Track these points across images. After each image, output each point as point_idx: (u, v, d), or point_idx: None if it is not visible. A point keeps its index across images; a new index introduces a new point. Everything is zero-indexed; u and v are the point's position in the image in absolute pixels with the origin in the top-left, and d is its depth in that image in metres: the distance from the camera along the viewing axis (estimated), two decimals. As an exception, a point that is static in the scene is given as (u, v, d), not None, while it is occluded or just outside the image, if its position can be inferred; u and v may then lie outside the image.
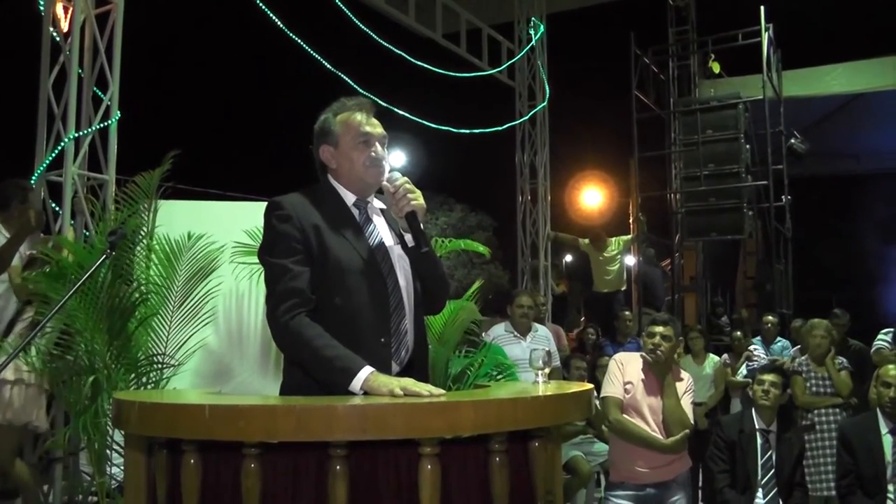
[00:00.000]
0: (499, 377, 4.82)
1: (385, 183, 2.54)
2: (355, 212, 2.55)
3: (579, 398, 2.37)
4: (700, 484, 6.24)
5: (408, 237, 2.55)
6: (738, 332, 7.82)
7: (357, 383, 2.21)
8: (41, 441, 5.26)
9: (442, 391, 2.21)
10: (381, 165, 2.53)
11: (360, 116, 2.54)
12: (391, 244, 2.55)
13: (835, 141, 13.02)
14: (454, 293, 4.94)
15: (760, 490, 4.53)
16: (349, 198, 2.56)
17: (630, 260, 11.85)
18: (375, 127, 2.55)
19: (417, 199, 2.48)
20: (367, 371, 2.22)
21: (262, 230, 2.49)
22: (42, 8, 5.64)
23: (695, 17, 12.82)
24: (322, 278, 2.40)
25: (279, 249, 2.39)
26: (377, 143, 2.53)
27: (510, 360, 5.21)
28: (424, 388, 2.16)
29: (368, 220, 2.56)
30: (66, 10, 5.71)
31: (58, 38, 5.66)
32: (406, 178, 2.52)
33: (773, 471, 4.56)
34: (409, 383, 2.18)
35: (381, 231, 2.56)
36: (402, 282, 2.51)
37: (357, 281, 2.42)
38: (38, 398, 4.67)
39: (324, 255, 2.41)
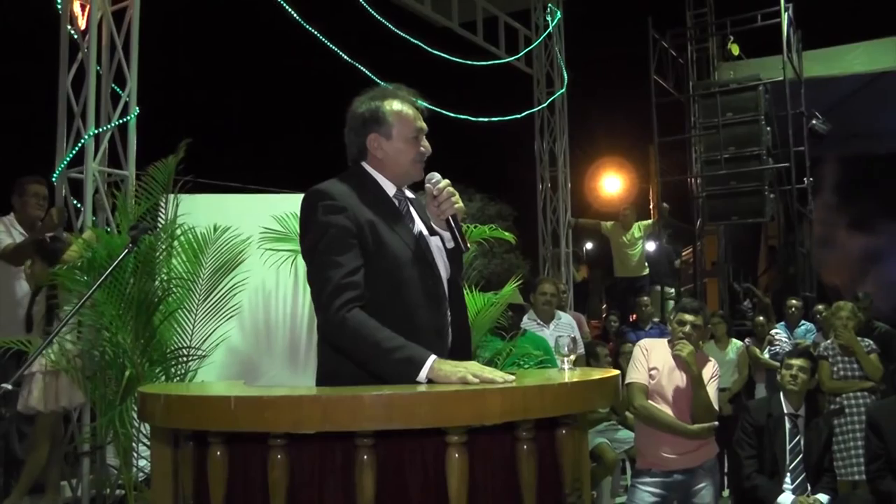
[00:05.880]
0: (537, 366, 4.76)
1: (427, 185, 2.53)
2: (395, 203, 2.51)
3: (605, 385, 2.35)
4: (726, 470, 6.21)
5: (446, 235, 2.53)
6: (761, 317, 7.75)
7: (423, 373, 2.14)
8: (69, 433, 5.32)
9: (512, 376, 2.13)
10: (424, 162, 2.54)
11: (412, 111, 2.51)
12: (426, 234, 2.52)
13: (857, 121, 12.82)
14: (482, 284, 4.90)
15: (788, 475, 4.49)
16: (389, 188, 2.51)
17: (651, 246, 11.75)
18: (424, 122, 2.54)
19: (458, 201, 2.48)
20: (432, 359, 2.16)
21: (296, 218, 2.42)
22: (59, 6, 5.67)
23: (712, -1, 12.69)
24: (378, 273, 2.35)
25: (333, 245, 2.30)
26: (425, 139, 2.54)
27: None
28: (497, 373, 2.08)
29: (408, 212, 2.53)
30: (83, 7, 5.73)
31: (75, 36, 5.70)
32: (447, 181, 2.50)
33: (801, 455, 4.51)
34: (477, 368, 2.10)
35: (418, 222, 2.53)
36: (442, 272, 2.51)
37: (411, 275, 2.40)
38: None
39: (380, 251, 2.36)
